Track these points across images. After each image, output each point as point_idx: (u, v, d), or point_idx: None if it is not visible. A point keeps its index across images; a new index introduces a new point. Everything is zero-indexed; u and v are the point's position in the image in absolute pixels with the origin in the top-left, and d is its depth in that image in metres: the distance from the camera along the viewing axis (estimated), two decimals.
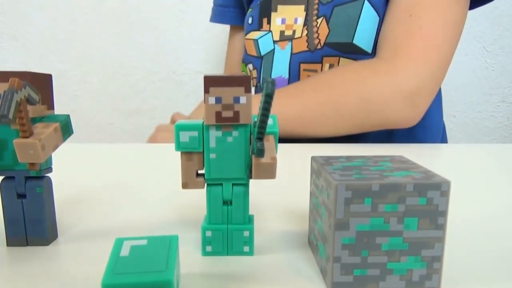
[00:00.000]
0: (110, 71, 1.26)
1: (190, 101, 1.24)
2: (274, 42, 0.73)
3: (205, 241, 0.26)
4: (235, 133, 0.24)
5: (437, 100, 0.75)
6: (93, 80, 1.27)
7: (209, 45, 1.23)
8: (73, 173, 0.45)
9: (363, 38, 0.67)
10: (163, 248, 0.22)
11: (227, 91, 0.23)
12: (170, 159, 0.53)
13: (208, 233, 0.26)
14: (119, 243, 0.22)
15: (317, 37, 0.68)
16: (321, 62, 0.69)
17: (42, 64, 1.22)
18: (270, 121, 0.26)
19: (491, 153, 0.60)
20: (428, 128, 0.72)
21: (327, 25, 0.67)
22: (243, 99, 0.23)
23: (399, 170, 0.23)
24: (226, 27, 0.99)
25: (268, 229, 0.30)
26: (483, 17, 1.26)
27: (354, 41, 0.67)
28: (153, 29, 1.21)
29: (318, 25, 0.67)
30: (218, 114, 0.24)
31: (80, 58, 1.25)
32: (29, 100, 0.23)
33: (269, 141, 0.24)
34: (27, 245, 0.27)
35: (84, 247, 0.27)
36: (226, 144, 0.24)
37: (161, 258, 0.21)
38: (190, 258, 0.26)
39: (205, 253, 0.26)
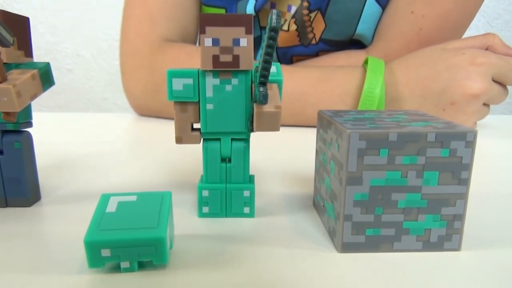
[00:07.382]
0: (103, 44, 1.22)
1: None
2: (261, 28, 0.61)
3: (202, 202, 0.24)
4: (234, 80, 0.22)
5: None
6: (86, 53, 1.23)
7: None
8: (61, 140, 0.43)
9: (364, 36, 0.59)
10: (155, 204, 0.19)
11: (225, 32, 0.21)
12: (164, 130, 0.51)
13: (205, 193, 0.23)
14: (105, 198, 0.19)
15: (311, 31, 0.60)
16: (316, 55, 0.62)
17: (31, 36, 1.18)
18: (273, 69, 0.23)
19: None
20: None
21: (323, 19, 0.58)
22: (243, 42, 0.21)
23: (417, 121, 0.21)
24: None
25: (269, 191, 0.28)
26: None
27: (354, 38, 0.59)
28: None
29: (311, 19, 0.59)
30: (215, 58, 0.21)
31: (72, 30, 1.21)
32: (0, 40, 0.20)
33: (272, 90, 0.22)
34: (7, 206, 0.25)
35: (69, 208, 0.25)
36: (225, 93, 0.22)
37: (152, 214, 0.18)
38: (185, 220, 0.23)
39: (201, 215, 0.24)
